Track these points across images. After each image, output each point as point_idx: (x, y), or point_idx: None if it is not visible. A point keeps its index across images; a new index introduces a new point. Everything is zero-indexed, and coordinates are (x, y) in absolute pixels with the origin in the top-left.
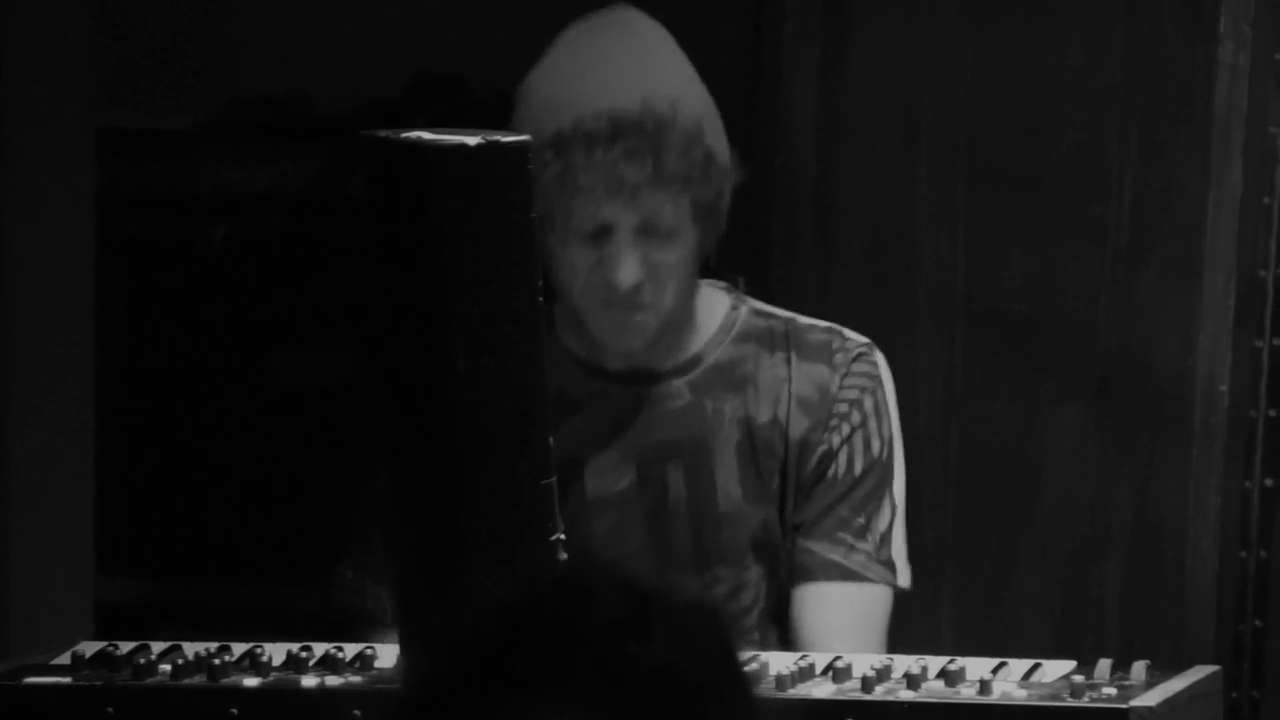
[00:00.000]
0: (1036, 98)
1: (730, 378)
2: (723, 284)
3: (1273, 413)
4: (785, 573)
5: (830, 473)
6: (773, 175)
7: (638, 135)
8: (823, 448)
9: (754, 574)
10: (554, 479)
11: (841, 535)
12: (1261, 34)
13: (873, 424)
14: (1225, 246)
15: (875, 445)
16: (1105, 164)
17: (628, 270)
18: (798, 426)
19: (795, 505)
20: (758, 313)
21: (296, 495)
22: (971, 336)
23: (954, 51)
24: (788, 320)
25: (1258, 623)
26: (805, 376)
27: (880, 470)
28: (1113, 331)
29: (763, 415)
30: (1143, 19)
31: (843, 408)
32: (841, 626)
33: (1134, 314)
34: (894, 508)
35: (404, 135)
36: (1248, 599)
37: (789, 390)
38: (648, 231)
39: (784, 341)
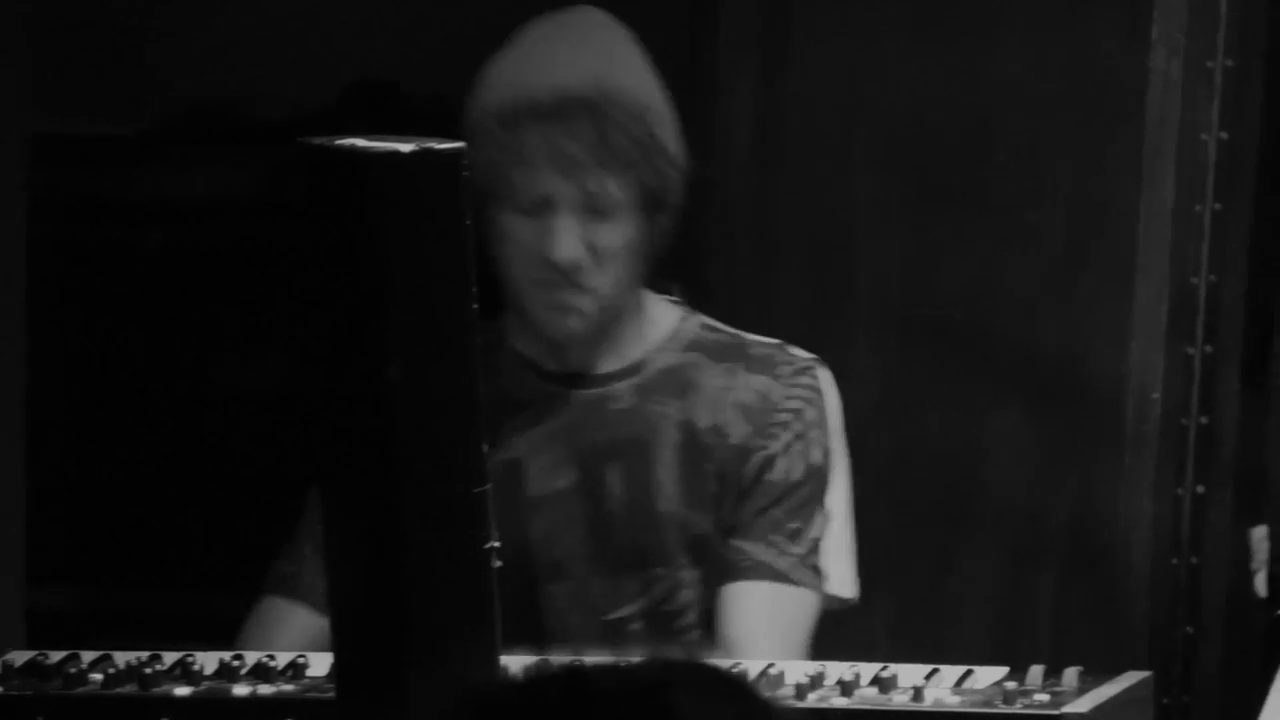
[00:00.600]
0: (973, 106)
1: (674, 383)
2: (675, 299)
3: (1205, 420)
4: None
5: (768, 477)
6: (712, 183)
7: (582, 110)
8: (762, 453)
9: (690, 575)
10: (488, 487)
11: (774, 538)
12: (1194, 42)
13: (814, 434)
14: (1158, 254)
15: (815, 455)
16: (1041, 172)
17: (566, 245)
18: (738, 432)
19: (732, 508)
20: (707, 327)
21: (231, 502)
22: (909, 343)
23: (892, 60)
24: (735, 335)
25: (1189, 629)
26: (748, 385)
27: (818, 479)
28: (1048, 338)
29: (704, 420)
30: (1077, 28)
31: (784, 416)
32: (765, 626)
33: (1069, 321)
34: (829, 518)
35: (339, 143)
36: (1180, 605)
37: (731, 397)
38: (590, 209)
39: (730, 354)
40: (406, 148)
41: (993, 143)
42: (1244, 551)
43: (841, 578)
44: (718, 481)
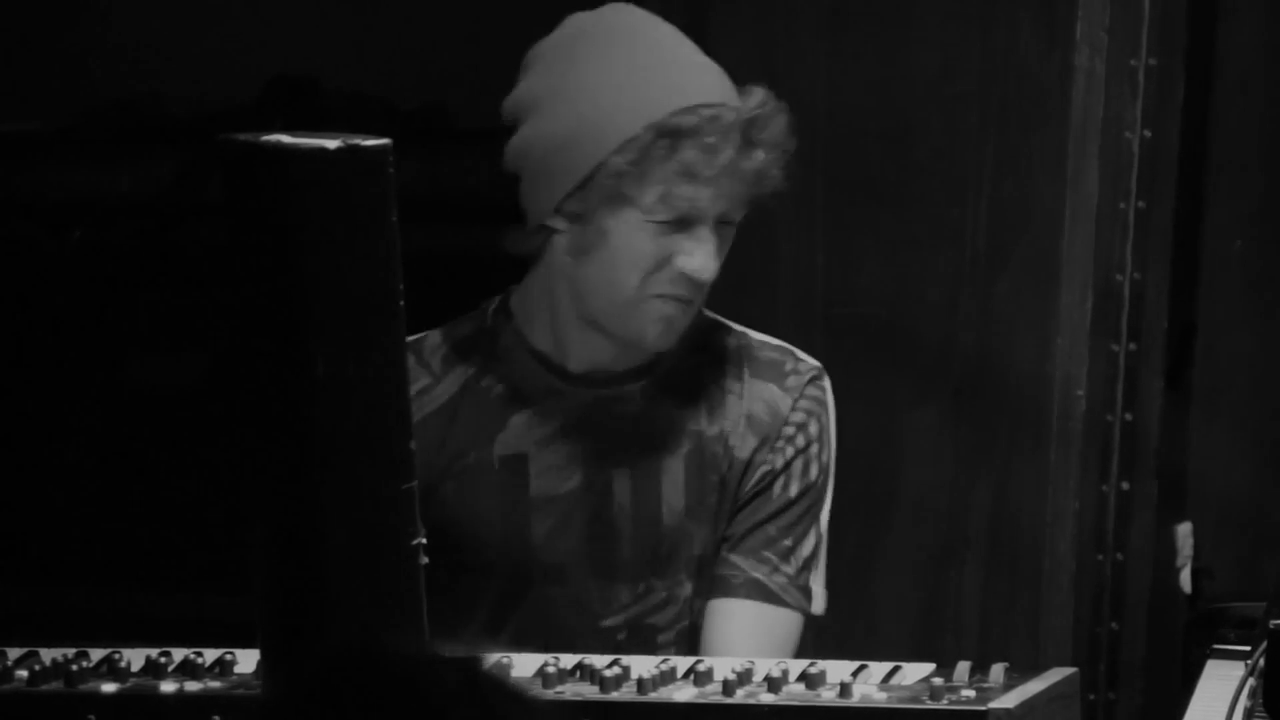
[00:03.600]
0: (893, 104)
1: (683, 388)
2: None
3: (1129, 417)
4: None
5: (767, 492)
6: None
7: (754, 126)
8: (765, 467)
9: (685, 590)
10: (415, 484)
11: (766, 554)
12: (1117, 40)
13: (814, 449)
14: (1082, 251)
15: (813, 471)
16: (962, 169)
17: (711, 262)
18: (745, 445)
19: (728, 518)
20: (710, 323)
21: (150, 498)
22: (830, 340)
23: (811, 57)
24: (740, 335)
25: (1114, 625)
26: (757, 395)
27: (814, 496)
28: (970, 336)
29: (712, 429)
30: (999, 25)
31: (790, 430)
32: (750, 645)
33: (991, 319)
34: (820, 536)
35: (263, 139)
36: (1104, 602)
37: (740, 407)
38: (721, 223)
39: (736, 356)
40: (332, 144)
41: (913, 140)
42: (1168, 548)
43: (818, 594)
44: (719, 491)
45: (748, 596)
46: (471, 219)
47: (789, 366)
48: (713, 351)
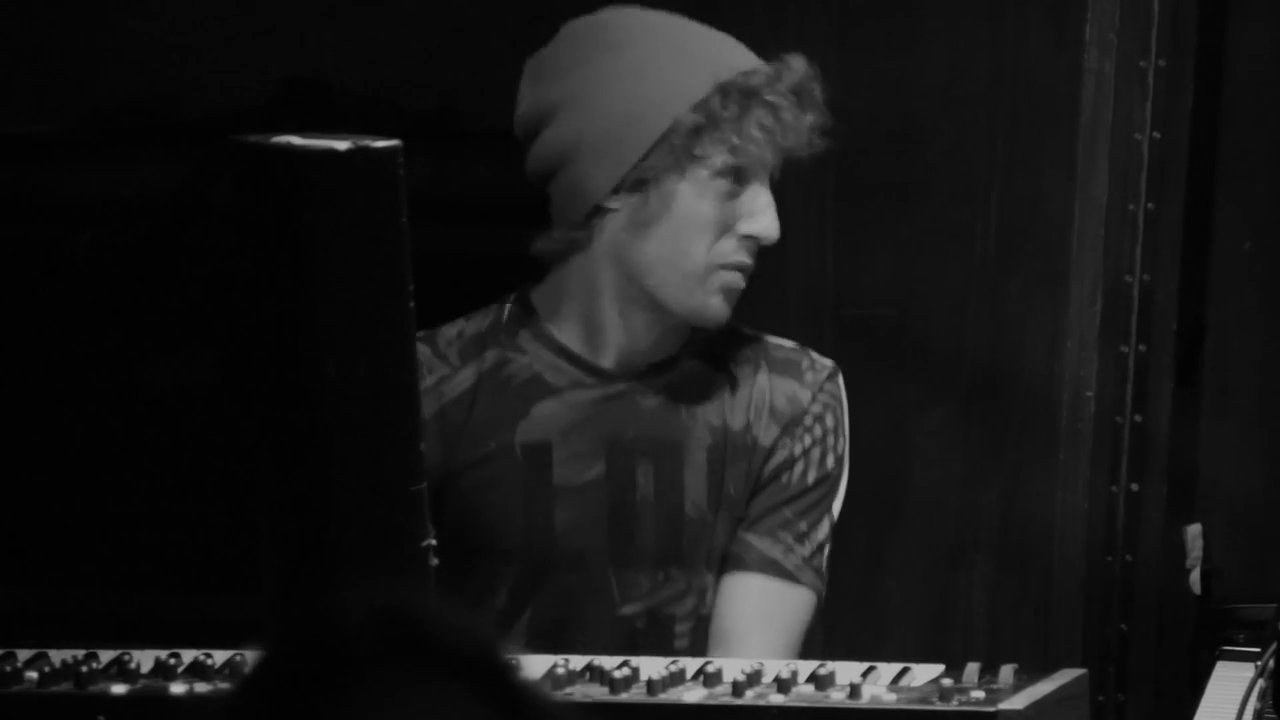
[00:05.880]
0: (903, 105)
1: (705, 382)
2: None
3: (1139, 418)
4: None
5: (784, 477)
6: None
7: (803, 89)
8: (783, 454)
9: (704, 581)
10: (424, 485)
11: (782, 534)
12: (1126, 41)
13: (830, 440)
14: (1091, 253)
15: (829, 461)
16: (972, 171)
17: (775, 220)
18: (768, 435)
19: (745, 502)
20: (725, 327)
21: (160, 499)
22: (840, 341)
23: (820, 59)
24: (754, 336)
25: (1124, 626)
26: (778, 389)
27: (829, 485)
28: (980, 338)
29: (736, 423)
30: (1008, 27)
31: (809, 420)
32: (763, 620)
33: (1001, 320)
34: (831, 526)
35: (274, 141)
36: (1114, 603)
37: (766, 399)
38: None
39: (753, 354)
40: (343, 145)
41: (923, 142)
42: (1178, 549)
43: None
44: (743, 482)
45: (762, 571)
46: (481, 220)
47: (805, 364)
48: (732, 351)
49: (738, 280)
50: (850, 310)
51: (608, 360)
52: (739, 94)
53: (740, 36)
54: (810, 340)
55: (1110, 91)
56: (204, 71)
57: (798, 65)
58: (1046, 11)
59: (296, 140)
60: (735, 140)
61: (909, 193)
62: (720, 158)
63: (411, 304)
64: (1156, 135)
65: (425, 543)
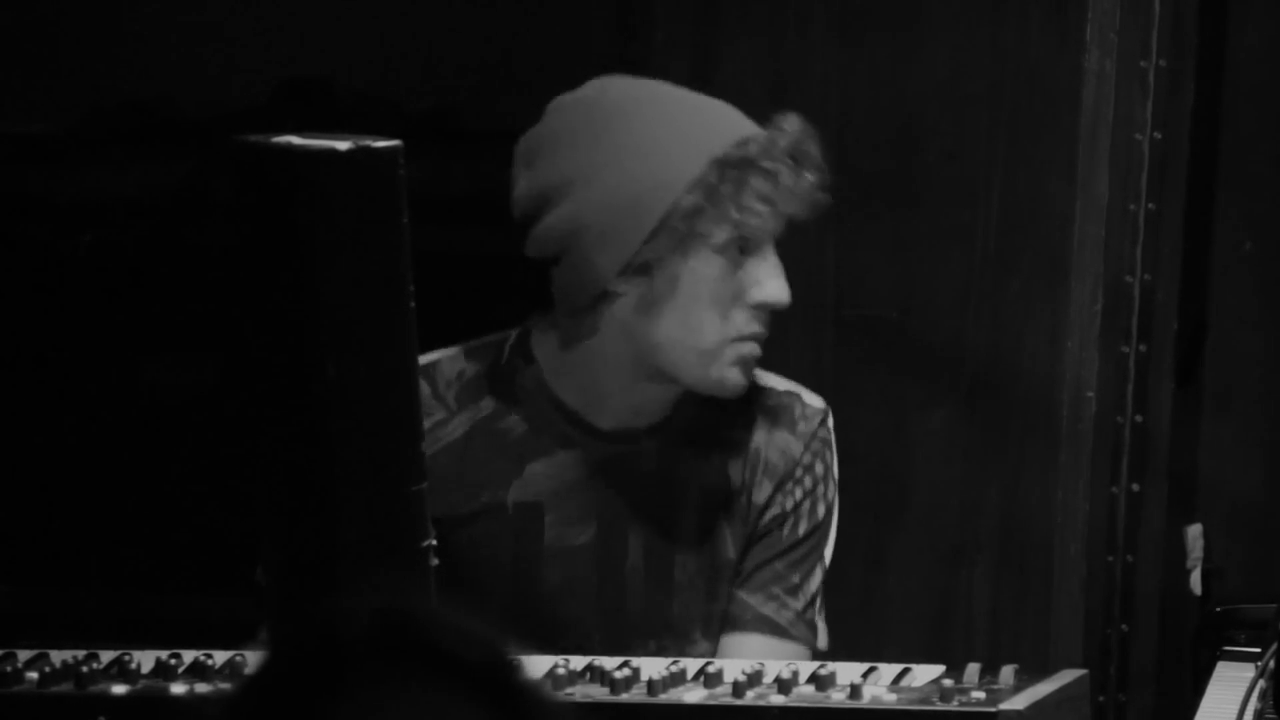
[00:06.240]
0: (904, 105)
1: (701, 442)
2: None
3: (1139, 418)
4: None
5: (776, 532)
6: None
7: (799, 149)
8: (775, 509)
9: (700, 648)
10: (425, 485)
11: (775, 590)
12: (1127, 41)
13: (820, 489)
14: (1092, 253)
15: (820, 510)
16: (973, 171)
17: (784, 285)
18: (761, 493)
19: (739, 558)
20: None
21: (161, 499)
22: (840, 341)
23: (821, 59)
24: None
25: (1124, 627)
26: (773, 444)
27: (821, 533)
28: (981, 338)
29: (731, 483)
30: (1009, 26)
31: (799, 473)
32: None
33: (1002, 320)
34: (824, 571)
35: (274, 140)
36: (1114, 603)
37: (761, 456)
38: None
39: (746, 406)
40: (344, 145)
41: (923, 142)
42: (1178, 549)
43: (821, 629)
44: (741, 543)
45: (757, 631)
46: (481, 220)
47: (798, 412)
48: (726, 404)
49: (753, 350)
50: (850, 310)
51: (606, 422)
52: (735, 167)
53: (741, 37)
54: (810, 340)
55: (1111, 91)
56: (204, 71)
57: (792, 126)
58: (1047, 12)
59: (296, 140)
60: (736, 215)
61: (910, 192)
62: (723, 234)
63: (411, 304)
64: (1157, 135)
65: (425, 543)
